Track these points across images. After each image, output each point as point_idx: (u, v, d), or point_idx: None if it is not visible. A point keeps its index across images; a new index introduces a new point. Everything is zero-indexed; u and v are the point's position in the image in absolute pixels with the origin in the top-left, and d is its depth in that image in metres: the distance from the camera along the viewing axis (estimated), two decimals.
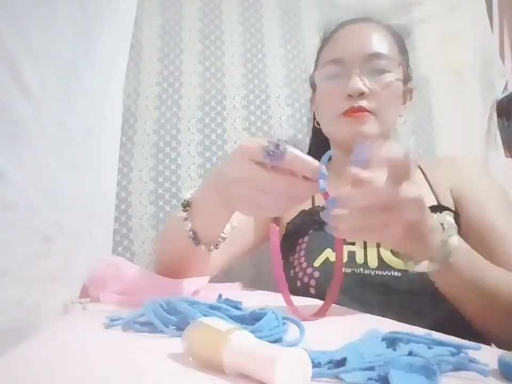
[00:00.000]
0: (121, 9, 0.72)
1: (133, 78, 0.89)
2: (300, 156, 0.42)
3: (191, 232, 0.53)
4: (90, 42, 0.56)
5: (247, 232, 0.71)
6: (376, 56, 0.68)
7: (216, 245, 0.56)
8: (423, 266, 0.46)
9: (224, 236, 0.56)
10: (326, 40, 0.77)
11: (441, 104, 1.00)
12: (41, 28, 0.42)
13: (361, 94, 0.66)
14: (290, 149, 0.42)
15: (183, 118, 0.89)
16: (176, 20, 0.95)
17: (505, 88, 1.06)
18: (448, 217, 0.48)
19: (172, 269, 0.57)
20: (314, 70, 0.78)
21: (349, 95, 0.67)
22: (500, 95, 1.04)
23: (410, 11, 1.03)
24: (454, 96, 1.02)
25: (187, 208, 0.54)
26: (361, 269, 0.59)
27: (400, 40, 0.74)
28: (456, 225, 0.48)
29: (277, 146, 0.41)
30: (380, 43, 0.69)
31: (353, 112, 0.67)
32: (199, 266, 0.59)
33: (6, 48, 0.36)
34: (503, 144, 1.02)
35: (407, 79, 0.73)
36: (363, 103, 0.66)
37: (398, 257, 0.53)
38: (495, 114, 1.03)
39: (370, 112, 0.67)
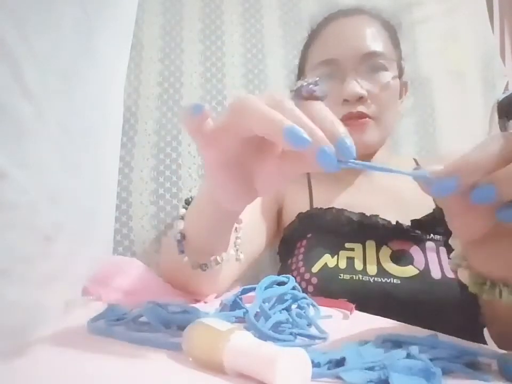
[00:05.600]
0: (122, 10, 0.72)
1: (134, 78, 0.89)
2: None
3: (179, 234, 0.46)
4: (91, 43, 0.56)
5: (254, 240, 0.65)
6: (372, 55, 0.64)
7: (205, 265, 0.46)
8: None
9: (220, 261, 0.47)
10: (314, 35, 0.72)
11: (443, 105, 1.00)
12: (43, 28, 0.42)
13: (360, 98, 0.62)
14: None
15: None
16: (177, 20, 0.95)
17: (506, 88, 1.06)
18: None
19: (176, 287, 0.51)
20: (299, 63, 0.74)
21: (345, 100, 0.63)
22: (501, 96, 1.04)
23: (410, 11, 1.03)
24: (455, 97, 1.02)
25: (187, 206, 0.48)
26: (360, 276, 0.57)
27: (393, 33, 0.71)
28: None
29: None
30: (374, 40, 0.65)
31: (352, 119, 0.63)
32: (201, 289, 0.51)
33: (7, 48, 0.36)
34: None
35: (401, 73, 0.70)
36: (362, 108, 0.63)
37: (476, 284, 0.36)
38: (496, 115, 1.02)
39: (369, 117, 0.63)
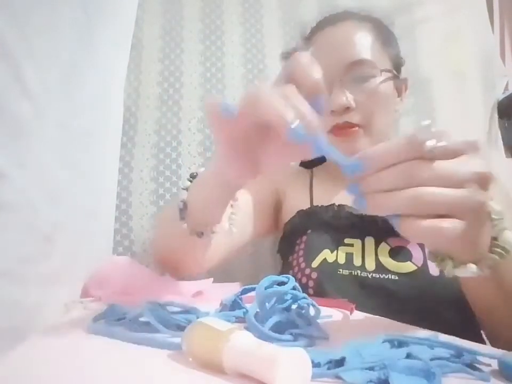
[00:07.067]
0: (122, 10, 0.72)
1: (134, 78, 0.89)
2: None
3: (182, 203, 0.50)
4: (91, 43, 0.56)
5: (246, 221, 0.67)
6: (358, 63, 0.63)
7: (202, 233, 0.51)
8: (468, 271, 0.35)
9: (215, 230, 0.52)
10: (303, 45, 0.72)
11: (443, 105, 1.00)
12: (43, 28, 0.42)
13: (347, 109, 0.62)
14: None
15: (184, 118, 0.89)
16: (177, 20, 0.95)
17: (506, 88, 1.05)
18: (494, 205, 0.36)
19: (168, 258, 0.58)
20: None
21: (333, 111, 0.63)
22: (501, 96, 1.03)
23: (411, 11, 1.02)
24: (455, 97, 1.01)
25: (191, 180, 0.52)
26: (359, 271, 0.58)
27: (384, 33, 0.70)
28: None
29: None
30: (360, 47, 0.64)
31: (340, 129, 0.63)
32: (195, 256, 0.56)
33: (7, 49, 0.36)
34: (503, 144, 1.02)
35: (398, 69, 0.69)
36: (348, 117, 0.63)
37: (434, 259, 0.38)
38: (496, 115, 1.02)
39: (358, 126, 0.63)
